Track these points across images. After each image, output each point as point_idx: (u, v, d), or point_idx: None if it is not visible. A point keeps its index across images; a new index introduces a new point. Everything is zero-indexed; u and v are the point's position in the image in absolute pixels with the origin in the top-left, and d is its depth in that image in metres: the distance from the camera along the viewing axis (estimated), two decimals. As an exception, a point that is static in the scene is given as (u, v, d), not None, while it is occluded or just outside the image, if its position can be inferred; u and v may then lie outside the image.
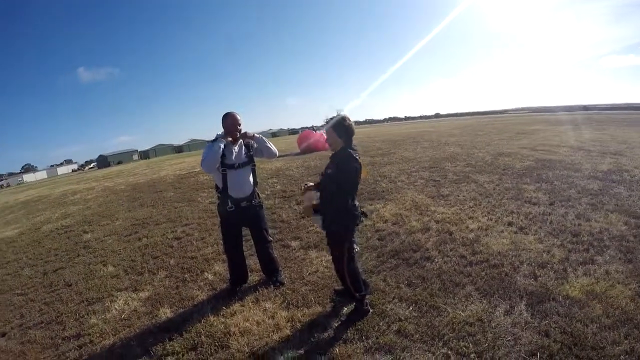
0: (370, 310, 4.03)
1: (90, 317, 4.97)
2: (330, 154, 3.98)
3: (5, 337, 4.97)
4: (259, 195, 4.99)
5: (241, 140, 4.77)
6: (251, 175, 4.86)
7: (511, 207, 7.12)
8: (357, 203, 3.91)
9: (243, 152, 4.76)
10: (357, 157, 3.81)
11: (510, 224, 6.23)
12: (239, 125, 4.67)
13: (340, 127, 3.80)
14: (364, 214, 4.05)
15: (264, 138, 4.88)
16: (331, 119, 3.87)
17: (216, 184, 4.85)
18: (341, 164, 3.73)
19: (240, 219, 4.89)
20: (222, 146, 4.59)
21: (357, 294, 3.99)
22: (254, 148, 4.87)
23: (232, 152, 4.67)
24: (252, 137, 4.79)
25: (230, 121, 4.64)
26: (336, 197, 3.75)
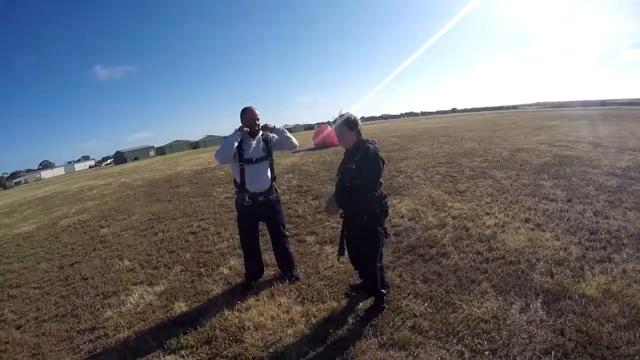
0: (386, 307, 4.01)
1: (106, 311, 5.01)
2: (345, 152, 3.99)
3: (20, 330, 5.04)
4: (276, 190, 4.98)
5: (260, 134, 4.78)
6: (269, 170, 4.84)
7: (528, 203, 7.03)
8: (384, 193, 3.98)
9: (261, 146, 4.75)
10: (377, 147, 3.84)
11: (527, 220, 6.15)
12: (257, 119, 4.70)
13: (349, 122, 3.83)
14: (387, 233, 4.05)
15: (284, 129, 4.90)
16: (339, 117, 3.89)
17: (234, 178, 4.87)
18: (365, 156, 3.71)
19: (257, 214, 4.89)
20: (238, 140, 4.63)
21: (383, 290, 4.02)
22: (274, 141, 4.87)
23: (250, 146, 4.68)
24: (273, 128, 4.83)
25: (248, 116, 4.67)
26: (365, 190, 3.74)
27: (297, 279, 4.95)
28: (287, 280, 4.94)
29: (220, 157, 4.69)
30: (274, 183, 4.94)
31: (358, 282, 4.50)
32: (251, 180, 4.72)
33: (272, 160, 4.91)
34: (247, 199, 4.79)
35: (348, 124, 3.83)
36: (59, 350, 4.36)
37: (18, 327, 5.11)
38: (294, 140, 4.96)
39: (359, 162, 3.68)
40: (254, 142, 4.72)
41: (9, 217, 16.93)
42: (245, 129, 4.64)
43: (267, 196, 4.81)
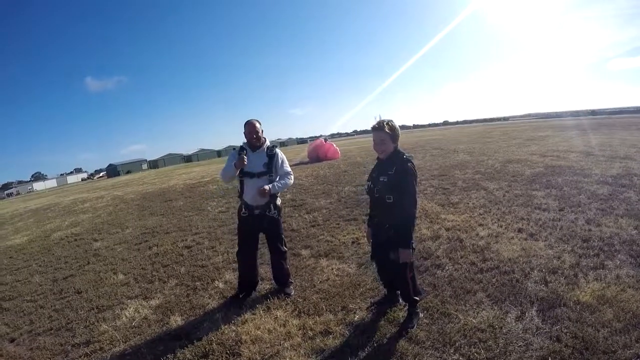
0: (420, 314, 4.06)
1: (101, 325, 4.99)
2: (378, 160, 4.04)
3: (14, 343, 5.01)
4: (275, 206, 4.90)
5: (265, 147, 4.83)
6: (274, 184, 4.78)
7: (521, 213, 7.09)
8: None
9: (263, 161, 4.76)
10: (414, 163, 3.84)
11: (520, 230, 6.20)
12: (257, 133, 4.74)
13: (395, 133, 3.82)
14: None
15: (278, 185, 4.80)
16: (380, 123, 3.83)
17: (238, 187, 4.94)
18: (404, 174, 3.68)
19: (254, 226, 4.91)
20: (234, 160, 4.71)
21: (418, 297, 4.01)
22: (278, 164, 4.87)
23: (252, 160, 4.71)
24: (268, 192, 4.68)
25: (248, 129, 4.74)
26: (402, 200, 3.68)
27: (288, 295, 4.92)
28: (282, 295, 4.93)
29: (223, 178, 4.94)
30: (276, 199, 4.92)
31: (379, 298, 4.46)
32: (248, 193, 4.76)
33: (272, 176, 4.81)
34: (244, 210, 4.86)
35: (394, 135, 3.81)
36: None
37: (12, 341, 5.08)
38: (289, 182, 5.00)
39: (400, 180, 3.67)
40: (256, 156, 4.75)
41: (1, 228, 16.89)
42: (241, 159, 4.64)
43: (264, 211, 4.80)
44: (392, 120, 3.85)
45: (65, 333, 4.98)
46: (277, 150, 4.94)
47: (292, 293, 4.96)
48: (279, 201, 4.97)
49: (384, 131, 3.77)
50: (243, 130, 4.80)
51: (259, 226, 4.91)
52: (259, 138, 4.77)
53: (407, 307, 4.03)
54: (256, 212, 4.79)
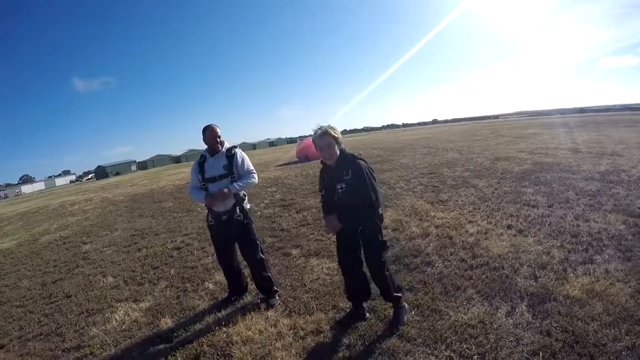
0: (406, 306, 4.06)
1: (91, 329, 4.97)
2: (325, 166, 3.97)
3: (4, 350, 4.97)
4: (241, 209, 4.70)
5: (223, 151, 4.68)
6: (234, 184, 4.62)
7: (510, 210, 7.12)
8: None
9: (222, 163, 4.63)
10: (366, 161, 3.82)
11: (509, 227, 6.23)
12: (218, 137, 4.64)
13: (336, 136, 3.74)
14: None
15: (239, 185, 4.62)
16: (318, 130, 3.78)
17: None
18: (359, 174, 3.61)
19: (224, 234, 4.76)
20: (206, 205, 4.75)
21: (400, 293, 4.00)
22: (239, 164, 4.69)
23: (211, 165, 4.64)
24: (228, 193, 4.56)
25: (209, 134, 4.62)
26: (369, 205, 3.64)
27: (272, 306, 4.72)
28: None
29: (191, 199, 5.20)
30: (244, 202, 4.75)
31: (344, 315, 4.19)
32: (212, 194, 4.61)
33: (234, 176, 4.65)
34: (210, 218, 4.77)
35: (338, 139, 3.75)
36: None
37: (1, 347, 5.04)
38: (251, 181, 4.75)
39: (356, 182, 3.60)
40: (215, 160, 4.64)
41: (-11, 233, 16.69)
42: (209, 199, 4.60)
43: (231, 215, 4.64)
44: (332, 126, 3.82)
45: (55, 338, 4.95)
46: (237, 150, 4.78)
47: (277, 303, 4.78)
48: (247, 205, 4.82)
49: (329, 135, 3.72)
50: (202, 138, 4.68)
51: (229, 233, 4.74)
52: (221, 142, 4.66)
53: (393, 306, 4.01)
54: (223, 217, 4.63)
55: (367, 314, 4.09)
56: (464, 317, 3.82)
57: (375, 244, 3.84)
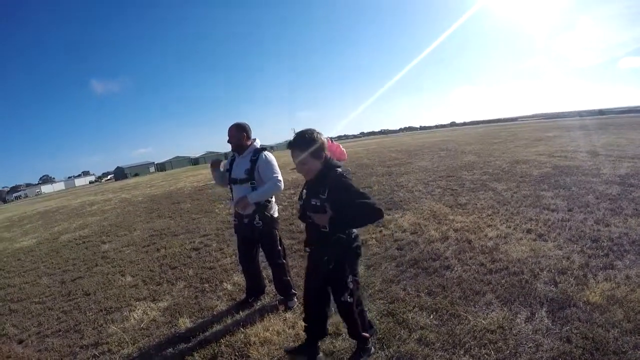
0: (372, 350, 3.58)
1: (109, 326, 5.01)
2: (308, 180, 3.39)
3: (22, 345, 5.03)
4: (262, 216, 4.56)
5: (249, 152, 4.58)
6: (253, 192, 4.46)
7: (529, 214, 7.05)
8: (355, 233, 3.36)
9: (245, 167, 4.52)
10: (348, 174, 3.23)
11: (529, 231, 6.17)
12: (233, 138, 4.61)
13: (315, 147, 3.16)
14: (363, 243, 3.68)
15: (256, 194, 4.44)
16: (294, 140, 3.23)
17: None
18: (336, 185, 3.11)
19: (245, 235, 4.76)
20: (216, 173, 4.87)
21: (368, 333, 3.59)
22: (261, 168, 4.51)
23: (237, 165, 4.64)
24: (245, 203, 4.44)
25: (228, 133, 4.63)
26: (342, 225, 3.15)
27: (289, 308, 4.68)
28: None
29: (216, 183, 5.04)
30: (266, 209, 4.60)
31: (295, 346, 3.80)
32: (234, 201, 4.61)
33: (255, 183, 4.49)
34: (234, 217, 4.81)
35: (315, 150, 3.16)
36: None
37: (20, 342, 5.10)
38: (271, 189, 4.50)
39: (340, 199, 3.06)
40: (240, 161, 4.61)
41: (9, 231, 16.99)
42: (213, 162, 4.78)
43: (251, 220, 4.55)
44: (310, 131, 3.23)
45: (74, 335, 5.00)
46: (263, 154, 4.54)
47: (295, 305, 4.73)
48: (272, 211, 4.70)
49: (299, 149, 3.17)
50: None
51: (250, 236, 4.70)
52: (242, 142, 4.59)
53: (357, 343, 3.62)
54: (245, 220, 4.60)
55: (320, 354, 3.62)
56: (483, 322, 3.78)
57: (339, 282, 3.33)
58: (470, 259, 5.37)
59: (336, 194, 3.07)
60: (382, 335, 3.80)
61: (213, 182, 5.01)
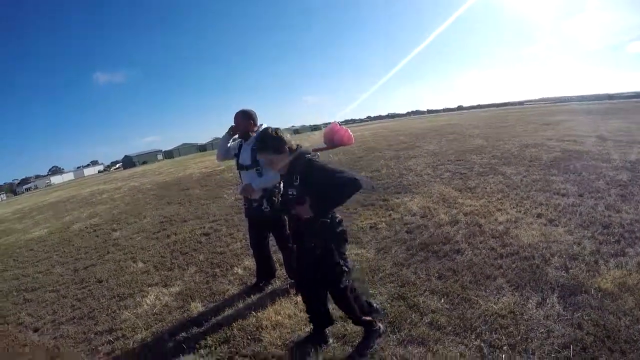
0: (381, 329, 3.59)
1: (122, 312, 5.07)
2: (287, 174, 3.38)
3: (38, 333, 5.10)
4: (270, 202, 4.51)
5: (253, 139, 4.50)
6: (258, 179, 4.47)
7: (540, 198, 7.00)
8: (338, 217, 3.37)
9: (249, 153, 4.50)
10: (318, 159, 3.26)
11: (539, 215, 6.13)
12: (241, 124, 4.60)
13: (274, 143, 3.25)
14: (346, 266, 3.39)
15: (261, 181, 4.45)
16: (257, 144, 3.38)
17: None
18: (305, 169, 3.18)
19: (256, 220, 4.78)
20: (228, 139, 4.80)
21: (370, 316, 3.57)
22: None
23: (243, 151, 4.62)
24: (251, 190, 4.44)
25: (235, 120, 4.63)
26: (323, 207, 3.16)
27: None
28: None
29: (216, 155, 5.00)
30: (274, 194, 4.52)
31: (302, 337, 3.78)
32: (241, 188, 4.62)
33: (260, 170, 4.46)
34: (244, 202, 4.81)
35: (277, 147, 3.23)
36: (77, 352, 4.41)
37: (35, 330, 5.17)
38: (276, 177, 4.36)
39: (313, 182, 3.12)
40: (246, 147, 4.58)
41: (21, 222, 17.15)
42: (232, 130, 4.69)
43: (259, 204, 4.55)
44: (265, 131, 3.39)
45: (88, 321, 5.06)
46: None
47: None
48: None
49: (263, 151, 3.32)
50: None
51: (260, 220, 4.71)
52: (248, 129, 4.58)
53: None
54: (254, 204, 4.59)
55: (330, 340, 3.63)
56: (494, 306, 3.78)
57: (331, 268, 3.28)
58: (480, 243, 5.35)
59: (309, 178, 3.13)
60: (394, 319, 3.82)
61: (223, 166, 4.97)
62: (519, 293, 4.00)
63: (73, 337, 4.73)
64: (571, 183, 7.85)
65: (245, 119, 4.58)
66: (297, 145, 3.35)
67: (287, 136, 3.32)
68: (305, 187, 3.14)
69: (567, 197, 6.96)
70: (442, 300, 4.01)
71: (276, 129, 3.31)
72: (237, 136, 4.78)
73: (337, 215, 3.35)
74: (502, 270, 4.49)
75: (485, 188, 8.19)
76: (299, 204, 3.14)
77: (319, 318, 3.60)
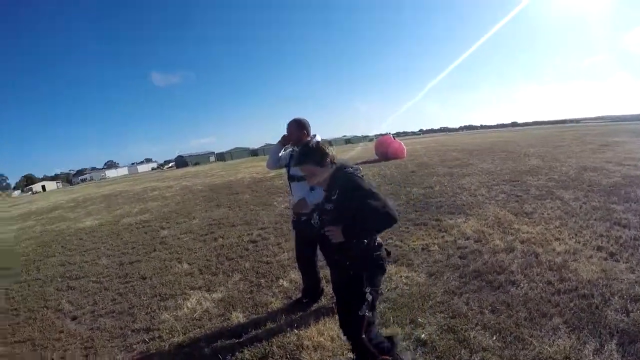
0: None
1: (162, 313, 5.11)
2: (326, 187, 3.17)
3: (75, 321, 5.25)
4: (318, 215, 4.17)
5: None
6: (311, 193, 4.36)
7: (600, 229, 6.58)
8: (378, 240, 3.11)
9: None
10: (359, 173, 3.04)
11: (599, 248, 5.74)
12: (291, 135, 4.56)
13: (315, 155, 3.09)
14: (388, 253, 3.24)
15: (315, 196, 4.24)
16: (297, 157, 3.20)
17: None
18: (345, 185, 2.95)
19: (304, 234, 4.66)
20: (280, 148, 4.70)
21: (389, 356, 3.14)
22: None
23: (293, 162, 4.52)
24: (305, 205, 4.34)
25: (288, 129, 4.59)
26: (354, 234, 2.93)
27: None
28: None
29: (267, 163, 4.89)
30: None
31: None
32: (293, 198, 4.59)
33: None
34: (292, 215, 4.71)
35: (317, 160, 3.08)
36: (111, 347, 4.48)
37: (73, 319, 5.33)
38: None
39: (349, 199, 2.89)
40: None
41: (74, 211, 17.76)
42: (285, 139, 4.62)
43: (309, 218, 4.33)
44: (307, 143, 3.21)
45: (127, 317, 5.16)
46: None
47: None
48: None
49: (303, 163, 3.14)
50: None
51: (308, 235, 4.54)
52: (299, 140, 4.49)
53: None
54: (302, 218, 4.48)
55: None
56: (549, 349, 3.54)
57: (355, 295, 3.01)
58: (537, 275, 5.04)
59: (345, 195, 2.92)
60: (441, 353, 3.63)
61: (273, 173, 4.89)
62: (575, 336, 3.72)
63: (109, 330, 4.82)
64: (633, 213, 7.38)
65: (298, 128, 4.53)
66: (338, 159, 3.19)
67: (329, 148, 3.16)
68: (342, 204, 2.95)
69: (628, 228, 6.53)
70: (494, 338, 3.78)
71: (318, 142, 3.15)
72: (288, 145, 4.72)
73: (376, 237, 3.11)
74: (559, 309, 4.20)
75: (543, 214, 7.81)
76: (333, 225, 2.96)
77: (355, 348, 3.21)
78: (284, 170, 4.82)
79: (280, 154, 4.76)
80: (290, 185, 4.65)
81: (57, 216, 17.13)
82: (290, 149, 4.71)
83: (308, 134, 4.54)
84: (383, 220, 2.84)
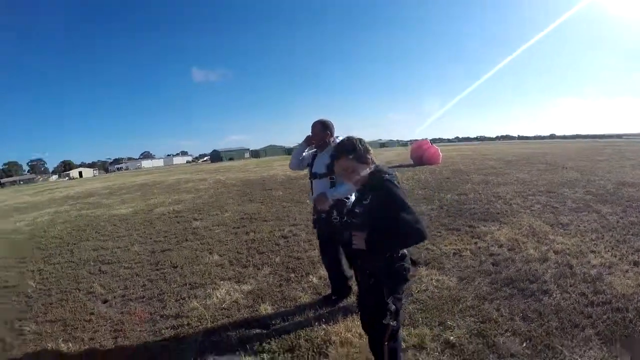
0: None
1: (191, 301, 5.17)
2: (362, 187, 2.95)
3: (106, 305, 5.36)
4: (338, 212, 4.36)
5: (331, 149, 4.48)
6: (331, 189, 4.39)
7: (637, 244, 6.40)
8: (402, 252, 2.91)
9: (326, 161, 4.27)
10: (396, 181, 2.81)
11: (635, 263, 5.60)
12: (318, 132, 4.57)
13: (359, 152, 2.84)
14: (414, 262, 3.15)
15: (336, 192, 4.34)
16: (338, 148, 2.96)
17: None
18: (378, 191, 2.76)
19: (325, 232, 4.65)
20: (303, 149, 4.78)
21: None
22: None
23: (319, 159, 4.59)
24: (325, 201, 4.33)
25: (313, 130, 4.61)
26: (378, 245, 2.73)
27: None
28: None
29: (290, 163, 4.99)
30: (345, 205, 4.34)
31: None
32: (313, 196, 4.59)
33: (335, 178, 4.36)
34: (313, 213, 4.73)
35: (360, 157, 2.85)
36: (140, 331, 4.55)
37: (105, 302, 5.46)
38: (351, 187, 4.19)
39: (380, 206, 2.72)
40: (322, 156, 4.53)
41: (109, 198, 18.14)
42: (309, 139, 4.65)
43: (329, 216, 4.42)
44: (349, 138, 2.94)
45: (156, 303, 5.24)
46: None
47: None
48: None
49: (344, 155, 2.86)
50: None
51: (329, 233, 4.54)
52: (326, 139, 4.55)
53: None
54: (322, 216, 4.50)
55: None
56: (580, 359, 3.49)
57: (377, 305, 2.85)
58: (570, 286, 4.94)
59: (379, 202, 2.73)
60: (469, 356, 3.60)
61: (305, 171, 4.89)
62: (607, 349, 3.64)
63: (139, 315, 4.89)
64: (672, 230, 7.17)
65: (323, 129, 4.56)
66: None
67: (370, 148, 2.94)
68: (373, 210, 2.76)
69: (667, 245, 6.34)
70: (524, 344, 3.72)
71: (360, 138, 2.92)
72: (312, 146, 4.76)
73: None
74: (591, 320, 4.12)
75: (579, 226, 7.63)
76: (358, 230, 2.79)
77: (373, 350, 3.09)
78: (306, 171, 4.84)
79: (303, 154, 4.83)
80: (311, 183, 4.67)
81: (93, 202, 17.53)
82: (314, 150, 4.75)
83: (332, 135, 4.58)
84: (413, 236, 2.68)
